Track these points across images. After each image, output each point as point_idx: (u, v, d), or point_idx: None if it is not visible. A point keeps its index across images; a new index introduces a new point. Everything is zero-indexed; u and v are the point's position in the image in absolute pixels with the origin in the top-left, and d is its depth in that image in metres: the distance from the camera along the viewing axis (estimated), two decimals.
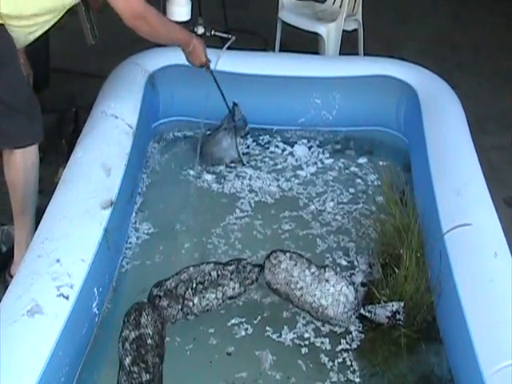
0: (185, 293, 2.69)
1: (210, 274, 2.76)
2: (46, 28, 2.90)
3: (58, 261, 2.45)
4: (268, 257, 2.82)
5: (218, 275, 2.76)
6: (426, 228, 2.86)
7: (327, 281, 2.71)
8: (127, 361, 2.39)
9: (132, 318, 2.54)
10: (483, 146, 3.45)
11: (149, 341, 2.47)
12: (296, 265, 2.76)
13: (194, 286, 2.71)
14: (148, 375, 2.36)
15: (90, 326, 2.52)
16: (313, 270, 2.75)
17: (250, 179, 3.59)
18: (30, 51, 3.02)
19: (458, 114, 3.52)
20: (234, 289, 2.76)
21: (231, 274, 2.77)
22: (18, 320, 2.21)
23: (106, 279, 2.79)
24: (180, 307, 2.68)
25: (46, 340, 2.20)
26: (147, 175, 3.57)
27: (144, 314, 2.55)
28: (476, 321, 2.35)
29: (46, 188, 3.03)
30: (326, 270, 2.76)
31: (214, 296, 2.72)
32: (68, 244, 2.55)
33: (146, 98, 3.58)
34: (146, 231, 3.19)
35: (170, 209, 3.38)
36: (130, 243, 3.10)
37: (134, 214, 3.27)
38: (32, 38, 2.89)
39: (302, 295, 2.71)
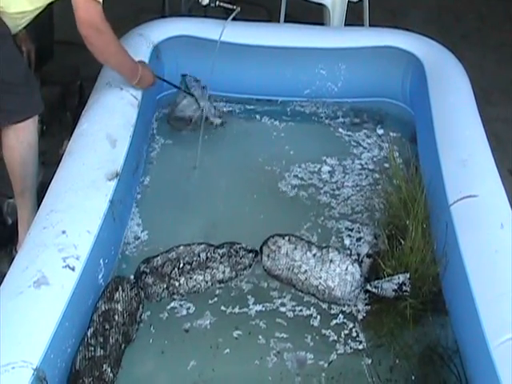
0: (171, 272, 2.67)
1: (199, 256, 2.73)
2: (37, 13, 2.92)
3: (63, 232, 2.46)
4: (266, 242, 2.80)
5: (207, 257, 2.73)
6: (432, 199, 2.85)
7: (331, 261, 2.70)
8: (89, 332, 2.38)
9: (108, 290, 2.53)
10: (489, 117, 3.43)
11: (116, 317, 2.45)
12: (296, 248, 2.75)
13: (181, 265, 2.69)
14: (102, 351, 2.33)
15: (96, 298, 2.52)
16: (314, 252, 2.74)
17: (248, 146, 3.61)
18: (33, 24, 3.01)
19: (463, 85, 3.49)
20: (223, 272, 2.73)
21: (221, 257, 2.74)
22: (24, 291, 2.22)
23: (112, 250, 2.79)
24: (165, 286, 2.66)
25: (52, 311, 2.22)
26: (152, 147, 3.56)
27: (120, 289, 2.54)
28: (482, 292, 2.35)
29: (51, 160, 3.03)
30: (329, 250, 2.75)
31: (201, 278, 2.69)
32: (74, 215, 2.56)
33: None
34: (151, 203, 3.19)
35: (175, 181, 3.37)
36: (135, 215, 3.10)
37: (138, 185, 3.26)
38: (24, 23, 2.93)
39: (306, 279, 2.69)
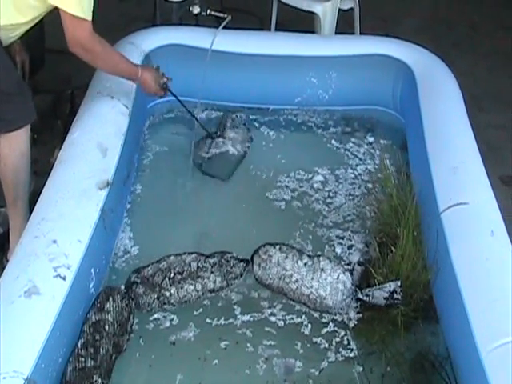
0: (162, 282, 2.67)
1: (189, 265, 2.73)
2: (30, 26, 2.93)
3: (54, 241, 2.46)
4: (257, 252, 2.80)
5: (198, 267, 2.73)
6: (422, 207, 2.86)
7: (323, 270, 2.71)
8: (79, 343, 2.37)
9: (98, 301, 2.53)
10: (480, 124, 3.44)
11: (107, 327, 2.45)
12: (287, 257, 2.75)
13: (172, 275, 2.69)
14: (93, 362, 2.33)
15: (87, 307, 2.51)
16: (305, 261, 2.74)
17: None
18: (24, 33, 3.01)
19: (454, 93, 3.50)
20: (215, 282, 2.72)
21: (212, 266, 2.74)
22: (15, 301, 2.22)
23: (103, 260, 2.79)
24: (156, 296, 2.65)
25: (43, 321, 2.21)
26: (143, 156, 3.55)
27: (111, 299, 2.54)
28: (472, 299, 2.36)
29: (42, 169, 3.03)
30: (320, 258, 2.76)
31: (192, 288, 2.69)
32: (65, 225, 2.56)
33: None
34: (142, 213, 3.19)
35: (166, 190, 3.36)
36: (127, 224, 3.09)
37: (129, 194, 3.26)
38: (17, 36, 2.93)
39: (297, 288, 2.69)
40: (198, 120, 3.54)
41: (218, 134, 3.62)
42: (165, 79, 3.29)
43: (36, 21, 2.91)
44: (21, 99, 2.91)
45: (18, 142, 2.94)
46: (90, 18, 2.79)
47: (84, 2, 2.75)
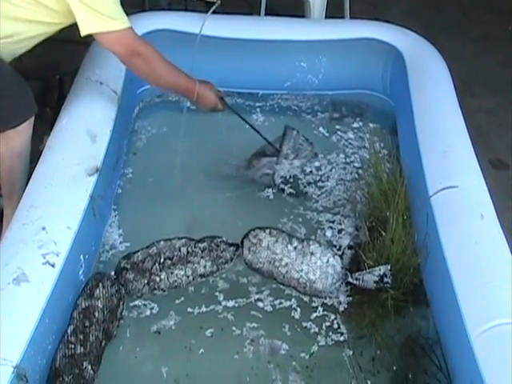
0: (152, 267, 2.66)
1: (179, 250, 2.72)
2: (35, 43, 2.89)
3: (43, 228, 2.44)
4: (246, 236, 2.79)
5: (187, 252, 2.71)
6: (412, 190, 2.87)
7: (312, 254, 2.70)
8: (69, 330, 2.37)
9: (88, 287, 2.52)
10: (470, 108, 3.44)
11: (96, 314, 2.44)
12: (277, 241, 2.74)
13: (162, 260, 2.68)
14: (82, 348, 2.33)
15: (76, 294, 2.51)
16: (295, 244, 2.73)
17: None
18: None
19: (444, 77, 3.50)
20: (205, 267, 2.71)
21: (202, 251, 2.73)
22: (4, 288, 2.21)
23: (93, 246, 2.79)
24: (146, 281, 2.64)
25: (32, 308, 2.21)
26: (133, 141, 3.55)
27: (100, 285, 2.53)
28: (462, 282, 2.37)
29: (32, 156, 3.01)
30: (310, 242, 2.75)
31: (182, 273, 2.68)
32: (53, 211, 2.54)
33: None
34: (131, 198, 3.18)
35: (156, 175, 3.35)
36: (116, 210, 3.09)
37: (119, 180, 3.25)
38: (20, 51, 2.89)
39: (287, 272, 2.69)
40: (262, 135, 3.38)
41: (282, 150, 3.36)
42: (222, 93, 3.20)
43: (38, 38, 2.87)
44: (15, 94, 2.85)
45: (16, 141, 2.91)
46: (129, 23, 2.75)
47: (118, 10, 2.73)
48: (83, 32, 2.69)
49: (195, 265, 2.70)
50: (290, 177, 3.29)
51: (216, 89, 3.16)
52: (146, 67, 2.86)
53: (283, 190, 3.23)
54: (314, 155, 3.45)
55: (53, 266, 2.34)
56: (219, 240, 2.79)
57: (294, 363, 2.47)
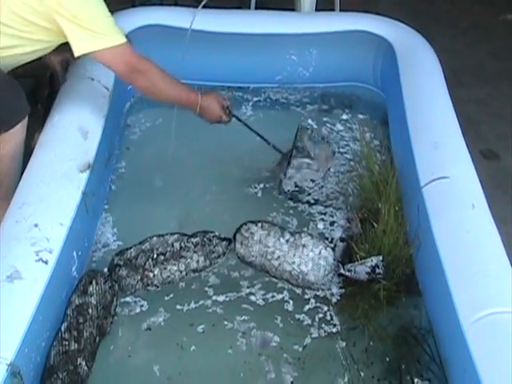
0: (145, 263, 2.66)
1: (172, 246, 2.72)
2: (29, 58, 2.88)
3: (36, 225, 2.44)
4: (239, 230, 2.80)
5: (180, 247, 2.72)
6: (404, 182, 2.88)
7: (304, 246, 2.71)
8: (63, 326, 2.38)
9: (81, 284, 2.53)
10: (460, 99, 3.44)
11: (90, 310, 2.44)
12: (269, 234, 2.75)
13: (155, 256, 2.68)
14: (77, 345, 2.33)
15: (69, 291, 2.52)
16: (287, 237, 2.74)
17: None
18: None
19: (434, 68, 3.50)
20: (198, 262, 2.72)
21: (195, 246, 2.73)
22: None
23: (86, 243, 2.79)
24: (139, 277, 2.65)
25: (26, 305, 2.20)
26: (125, 136, 3.55)
27: (94, 282, 2.53)
28: (454, 272, 2.38)
29: (23, 153, 3.00)
30: (302, 235, 2.76)
31: (175, 268, 2.68)
32: (46, 208, 2.54)
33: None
34: (124, 194, 3.18)
35: (148, 171, 3.35)
36: (109, 206, 3.09)
37: (111, 176, 3.26)
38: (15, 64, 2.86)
39: (279, 264, 2.70)
40: (270, 143, 3.26)
41: (294, 152, 3.17)
42: (227, 102, 3.14)
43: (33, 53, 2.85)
44: (8, 96, 2.80)
45: (11, 144, 2.87)
46: (124, 38, 2.72)
47: (111, 26, 2.69)
48: (76, 53, 2.65)
49: (188, 260, 2.71)
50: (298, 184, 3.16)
51: (221, 97, 3.12)
52: (147, 83, 2.81)
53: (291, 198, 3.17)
54: (332, 154, 3.30)
55: (46, 262, 2.34)
56: (212, 235, 2.80)
57: (286, 355, 2.48)
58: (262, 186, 3.24)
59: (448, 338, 2.37)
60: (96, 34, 2.63)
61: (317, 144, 3.25)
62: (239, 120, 3.23)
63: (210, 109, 3.03)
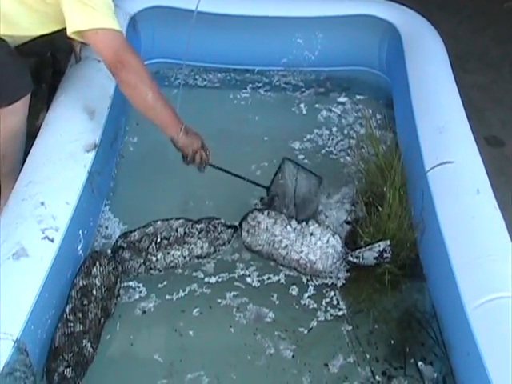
0: (148, 247, 2.65)
1: (176, 231, 2.71)
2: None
3: (42, 204, 2.46)
4: (245, 218, 2.78)
5: (184, 232, 2.71)
6: (408, 166, 2.87)
7: (312, 234, 2.69)
8: (67, 308, 2.38)
9: (85, 266, 2.53)
10: (465, 84, 3.44)
11: (94, 292, 2.45)
12: (276, 223, 2.73)
13: (159, 240, 2.67)
14: (82, 326, 2.34)
15: (75, 269, 2.53)
16: (294, 226, 2.72)
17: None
18: None
19: (440, 53, 3.50)
20: (202, 248, 2.71)
21: (199, 232, 2.72)
22: (3, 263, 2.23)
23: (91, 222, 2.80)
24: (142, 261, 2.64)
25: (32, 283, 2.22)
26: (130, 118, 3.54)
27: (98, 264, 2.53)
28: (458, 257, 2.38)
29: (28, 132, 3.00)
30: (309, 223, 2.73)
31: (179, 253, 2.67)
32: (52, 187, 2.55)
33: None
34: (129, 174, 3.19)
35: (153, 154, 3.33)
36: (114, 186, 3.10)
37: (117, 156, 3.26)
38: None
39: (287, 253, 2.68)
40: (254, 181, 3.00)
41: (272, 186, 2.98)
42: (207, 157, 2.86)
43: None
44: (12, 72, 2.81)
45: (11, 120, 2.87)
46: (120, 28, 2.65)
47: (111, 11, 2.64)
48: (70, 29, 2.57)
49: (192, 245, 2.70)
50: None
51: (205, 147, 2.86)
52: (129, 79, 2.61)
53: None
54: (318, 187, 3.06)
55: (52, 240, 2.36)
56: (217, 222, 2.78)
57: (292, 338, 2.49)
58: (269, 169, 3.20)
59: (452, 321, 2.38)
60: (94, 11, 2.56)
61: (302, 180, 3.03)
62: (216, 167, 2.91)
63: (193, 136, 2.79)
